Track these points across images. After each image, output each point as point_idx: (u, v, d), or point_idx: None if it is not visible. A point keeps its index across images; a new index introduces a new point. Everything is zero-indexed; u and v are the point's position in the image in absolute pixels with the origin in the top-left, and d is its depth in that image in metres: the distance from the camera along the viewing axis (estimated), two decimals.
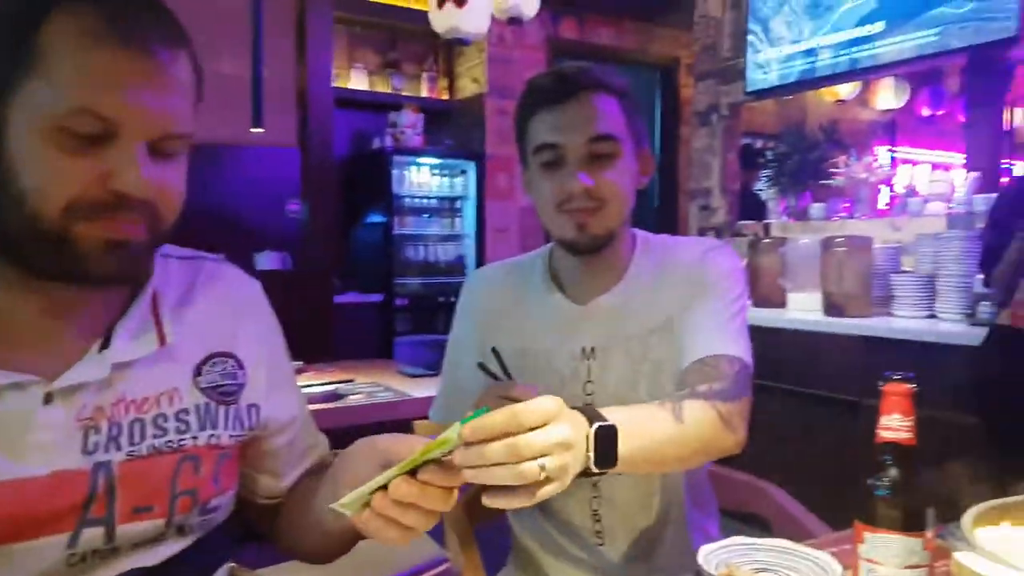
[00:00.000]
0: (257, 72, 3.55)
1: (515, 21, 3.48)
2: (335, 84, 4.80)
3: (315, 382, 2.58)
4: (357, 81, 5.22)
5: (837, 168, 4.12)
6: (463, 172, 5.42)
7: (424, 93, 5.49)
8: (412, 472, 0.70)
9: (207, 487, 0.83)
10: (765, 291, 3.38)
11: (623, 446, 0.83)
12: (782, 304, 3.33)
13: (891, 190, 4.35)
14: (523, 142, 1.20)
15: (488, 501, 0.73)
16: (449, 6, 3.26)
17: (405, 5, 5.06)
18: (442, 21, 3.31)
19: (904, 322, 2.90)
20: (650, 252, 1.24)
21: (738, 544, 0.90)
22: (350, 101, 5.10)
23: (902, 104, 6.13)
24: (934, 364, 2.53)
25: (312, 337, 3.82)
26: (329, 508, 0.73)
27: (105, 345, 0.79)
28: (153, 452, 0.79)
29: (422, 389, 2.52)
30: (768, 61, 4.26)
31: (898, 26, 3.59)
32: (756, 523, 1.34)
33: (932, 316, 2.92)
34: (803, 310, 3.20)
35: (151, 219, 0.75)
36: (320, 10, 4.52)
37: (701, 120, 4.68)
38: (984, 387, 2.30)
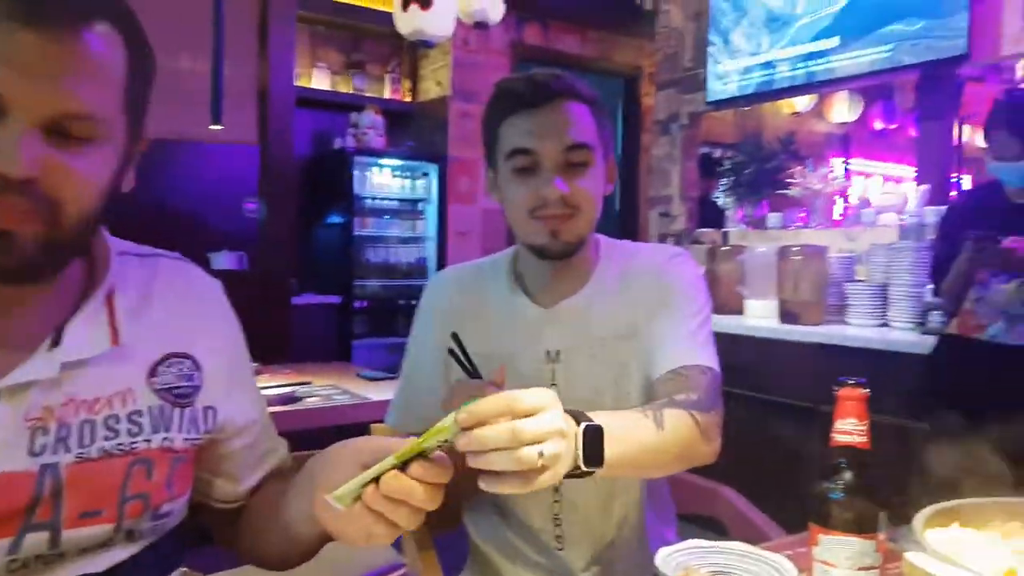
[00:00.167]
0: (217, 68, 3.50)
1: (480, 25, 3.49)
2: (297, 83, 4.75)
3: (271, 384, 2.54)
4: (319, 81, 5.17)
5: (793, 179, 4.20)
6: (425, 174, 5.39)
7: (387, 95, 5.47)
8: (404, 467, 0.69)
9: (159, 492, 0.81)
10: (722, 298, 3.42)
11: (608, 449, 0.83)
12: (739, 311, 3.38)
13: (845, 201, 4.45)
14: (493, 145, 1.19)
15: (485, 486, 0.73)
16: (414, 8, 3.25)
17: (369, 6, 5.03)
18: (407, 23, 3.30)
19: (857, 330, 2.96)
20: (613, 257, 1.25)
21: (695, 547, 0.91)
22: (312, 101, 5.05)
23: (856, 118, 6.27)
24: (886, 371, 2.59)
25: (268, 339, 3.75)
26: (322, 500, 0.71)
27: (56, 343, 0.77)
28: (103, 455, 0.77)
29: (380, 392, 2.50)
30: (728, 72, 4.33)
31: (853, 42, 3.68)
32: (713, 527, 1.35)
33: (884, 324, 2.99)
34: (759, 317, 3.25)
35: (47, 209, 0.69)
36: (283, 8, 4.47)
37: (662, 129, 4.74)
38: (934, 394, 2.36)
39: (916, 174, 4.24)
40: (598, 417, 0.85)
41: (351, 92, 5.30)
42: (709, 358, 1.14)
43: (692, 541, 0.92)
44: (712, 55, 4.41)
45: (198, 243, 4.06)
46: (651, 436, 0.97)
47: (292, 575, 0.94)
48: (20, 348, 0.75)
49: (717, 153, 5.31)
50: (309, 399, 2.43)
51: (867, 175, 6.78)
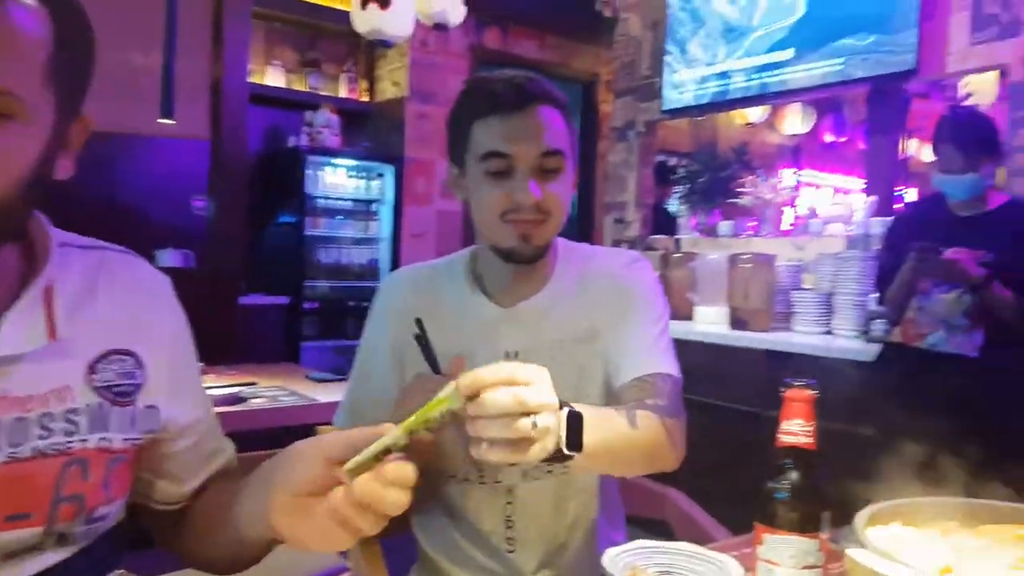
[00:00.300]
0: (169, 62, 3.42)
1: (440, 27, 3.47)
2: (251, 80, 4.68)
3: (216, 385, 2.49)
4: (274, 78, 5.09)
5: (745, 188, 4.27)
6: (380, 175, 5.35)
7: (343, 94, 5.41)
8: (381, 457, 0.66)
9: (95, 494, 0.78)
10: (674, 304, 3.43)
11: (587, 437, 0.85)
12: (689, 317, 3.42)
13: (795, 211, 4.54)
14: (463, 145, 1.17)
15: (477, 454, 0.76)
16: (372, 7, 3.22)
17: (326, 4, 4.98)
18: (365, 22, 3.27)
19: (803, 337, 3.02)
20: (571, 260, 1.26)
21: (642, 547, 0.91)
22: (266, 98, 4.97)
23: (807, 130, 6.42)
24: (830, 378, 2.64)
25: (214, 339, 3.65)
26: (279, 502, 0.68)
27: None
28: (36, 454, 0.73)
29: (329, 394, 2.47)
30: (684, 81, 4.39)
31: (806, 54, 3.75)
32: (660, 529, 1.36)
33: (829, 332, 3.05)
34: (710, 323, 3.30)
35: None
36: (238, 4, 4.40)
37: (618, 136, 4.77)
38: (877, 400, 2.41)
39: (864, 186, 4.36)
40: (575, 406, 0.87)
41: (306, 91, 5.24)
42: (672, 365, 1.17)
43: (639, 542, 0.93)
44: (669, 64, 4.46)
45: (144, 239, 3.94)
46: (625, 432, 0.99)
47: None
48: None
49: (672, 161, 5.38)
50: (255, 400, 2.38)
51: (817, 186, 6.93)
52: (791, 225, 4.25)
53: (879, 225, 3.22)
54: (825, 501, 0.79)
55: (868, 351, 2.60)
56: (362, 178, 5.32)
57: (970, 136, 2.29)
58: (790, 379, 0.80)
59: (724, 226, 4.13)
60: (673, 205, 4.95)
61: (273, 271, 5.05)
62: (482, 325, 1.20)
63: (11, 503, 0.72)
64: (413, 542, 1.32)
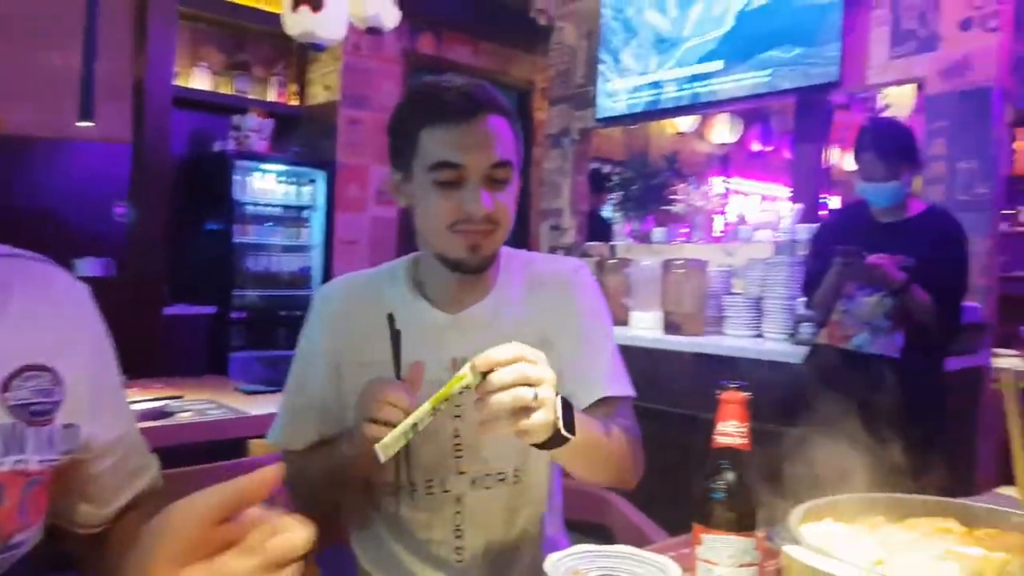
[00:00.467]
0: (89, 62, 3.29)
1: (373, 31, 3.43)
2: (175, 82, 4.53)
3: (139, 399, 2.38)
4: (200, 80, 4.95)
5: (677, 196, 4.36)
6: (312, 181, 5.25)
7: (272, 97, 5.30)
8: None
9: (10, 520, 0.73)
10: (610, 309, 3.49)
11: (576, 427, 0.92)
12: (625, 322, 3.45)
13: (725, 218, 4.65)
14: (409, 152, 1.13)
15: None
16: (304, 9, 3.16)
17: (255, 6, 4.88)
18: (296, 24, 3.20)
19: (734, 340, 3.08)
20: (514, 265, 1.25)
21: (584, 551, 0.92)
22: (191, 101, 4.82)
23: (736, 139, 6.60)
24: (761, 380, 2.70)
25: (137, 351, 3.52)
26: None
27: None
28: None
29: (259, 407, 2.38)
30: (617, 91, 4.45)
31: (735, 66, 3.85)
32: (600, 534, 1.36)
33: (759, 335, 3.12)
34: (645, 328, 3.34)
35: None
36: (162, 3, 4.26)
37: (553, 143, 4.81)
38: (805, 400, 2.47)
39: (790, 194, 4.50)
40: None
41: (233, 94, 5.11)
42: (628, 385, 1.23)
43: (581, 546, 0.93)
44: (603, 73, 4.51)
45: (63, 247, 3.73)
46: (603, 435, 1.07)
47: None
48: None
49: (606, 169, 5.46)
50: (181, 414, 2.29)
51: (745, 194, 7.12)
52: (721, 232, 4.35)
53: (805, 231, 3.31)
54: (759, 500, 0.80)
55: (797, 353, 2.67)
56: (292, 184, 5.21)
57: (891, 145, 2.38)
58: (725, 381, 0.81)
59: (657, 232, 4.20)
60: (608, 212, 5.00)
61: (199, 280, 4.88)
62: (427, 332, 1.18)
63: None
64: (352, 559, 1.28)
